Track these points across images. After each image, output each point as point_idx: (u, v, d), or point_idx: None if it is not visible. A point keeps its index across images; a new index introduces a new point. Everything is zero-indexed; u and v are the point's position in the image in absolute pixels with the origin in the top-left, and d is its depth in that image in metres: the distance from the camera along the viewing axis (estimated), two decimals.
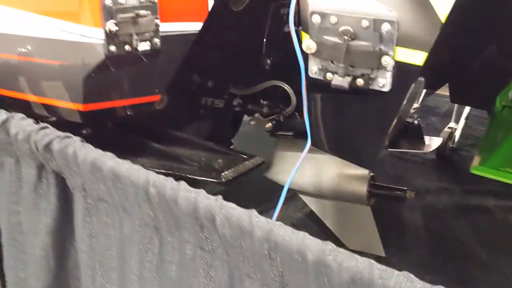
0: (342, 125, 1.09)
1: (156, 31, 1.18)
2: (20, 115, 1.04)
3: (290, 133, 1.70)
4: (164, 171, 1.32)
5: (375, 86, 0.93)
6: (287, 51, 1.36)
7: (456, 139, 2.53)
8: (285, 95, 1.66)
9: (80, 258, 1.02)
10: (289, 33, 1.43)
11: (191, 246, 0.83)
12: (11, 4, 1.16)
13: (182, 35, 1.27)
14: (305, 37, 1.05)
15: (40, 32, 1.14)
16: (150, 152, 1.42)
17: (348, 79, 0.95)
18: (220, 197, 0.77)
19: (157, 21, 1.17)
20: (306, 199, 1.69)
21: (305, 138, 1.20)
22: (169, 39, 1.23)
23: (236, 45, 1.58)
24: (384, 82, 0.92)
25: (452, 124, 2.54)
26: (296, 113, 1.68)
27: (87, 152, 0.93)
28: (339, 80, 0.96)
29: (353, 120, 1.07)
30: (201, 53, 1.37)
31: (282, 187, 1.12)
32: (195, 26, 1.29)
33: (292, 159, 1.70)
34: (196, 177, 1.32)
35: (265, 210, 1.40)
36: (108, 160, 0.91)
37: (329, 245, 0.68)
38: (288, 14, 1.62)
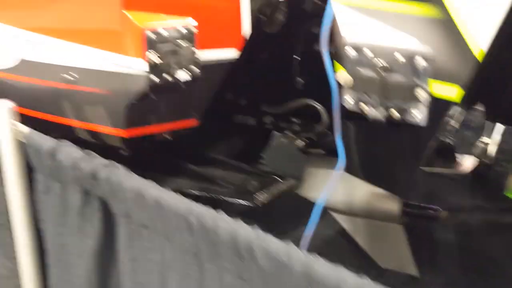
0: (376, 153, 1.10)
1: (195, 59, 1.22)
2: (67, 142, 1.10)
3: (322, 151, 1.71)
4: (200, 192, 1.36)
5: (409, 118, 0.95)
6: (319, 70, 1.39)
7: (491, 154, 2.48)
8: (317, 113, 1.67)
9: (122, 280, 1.06)
10: (321, 52, 1.46)
11: (230, 275, 0.86)
12: (57, 35, 1.22)
13: (219, 61, 1.31)
14: (339, 69, 1.07)
15: (85, 62, 1.20)
16: (186, 173, 1.47)
17: (383, 110, 0.96)
18: (258, 230, 0.80)
19: (196, 50, 1.22)
20: (337, 216, 1.70)
21: (337, 156, 1.21)
22: (206, 66, 1.27)
23: (269, 64, 1.61)
24: (418, 114, 0.93)
25: (485, 139, 2.49)
26: (328, 131, 1.69)
27: (131, 180, 0.97)
28: (373, 112, 0.98)
29: (387, 148, 1.08)
30: (235, 74, 1.41)
31: (313, 203, 1.14)
32: (231, 52, 1.33)
33: (324, 176, 1.71)
34: (231, 199, 1.35)
35: (297, 226, 1.42)
36: (151, 188, 0.95)
37: (367, 280, 0.70)
38: (320, 33, 1.65)
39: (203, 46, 1.25)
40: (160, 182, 1.46)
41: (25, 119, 1.25)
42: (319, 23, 1.56)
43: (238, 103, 1.74)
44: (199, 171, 1.48)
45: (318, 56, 1.46)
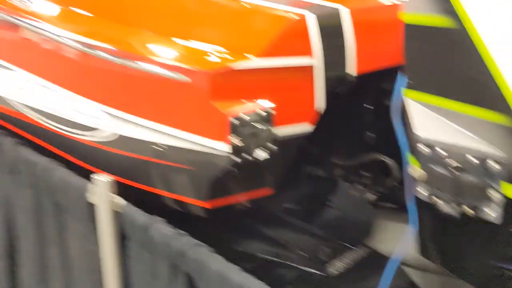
0: (451, 243, 1.11)
1: (272, 138, 1.30)
2: (160, 219, 1.22)
3: (393, 205, 1.72)
4: (273, 258, 1.43)
5: (483, 216, 0.96)
6: (389, 124, 1.41)
7: None
8: (388, 167, 1.69)
9: None
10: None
11: None
12: (150, 118, 1.36)
13: (294, 135, 1.39)
14: (413, 162, 1.10)
15: (173, 141, 1.32)
16: (258, 236, 1.54)
17: (456, 206, 0.98)
18: None
19: (273, 129, 1.30)
20: (409, 270, 1.69)
21: (407, 210, 1.22)
22: (283, 141, 1.35)
23: (339, 118, 1.65)
24: (492, 213, 0.94)
25: None
26: (399, 186, 1.70)
27: (216, 262, 1.06)
28: (447, 207, 1.00)
29: (462, 240, 1.09)
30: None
31: (383, 256, 1.13)
32: (305, 126, 1.40)
33: (395, 230, 1.72)
34: (303, 268, 1.40)
35: (367, 275, 1.42)
36: (234, 272, 1.03)
37: None
38: (391, 89, 1.67)
39: (279, 124, 1.33)
40: (234, 243, 1.55)
41: (121, 185, 1.39)
42: (391, 79, 1.60)
43: (309, 154, 1.78)
44: (270, 234, 1.55)
45: (388, 112, 1.49)
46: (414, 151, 1.08)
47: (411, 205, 1.11)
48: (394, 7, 1.54)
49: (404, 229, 1.64)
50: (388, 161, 1.67)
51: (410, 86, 1.11)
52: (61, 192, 1.49)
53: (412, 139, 1.09)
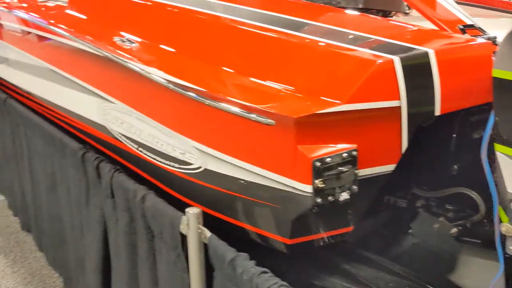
0: None
1: (355, 180, 1.33)
2: (243, 255, 1.28)
3: (477, 241, 1.67)
4: None
5: None
6: (476, 158, 1.37)
7: None
8: (473, 201, 1.64)
9: None
10: (477, 139, 1.44)
11: None
12: (234, 155, 1.44)
13: (377, 174, 1.40)
14: (503, 218, 1.07)
15: (257, 178, 1.39)
16: (337, 271, 1.56)
17: None
18: None
19: (356, 172, 1.33)
20: None
21: (494, 247, 1.18)
22: (365, 181, 1.37)
23: (425, 150, 1.63)
24: None
25: None
26: (485, 221, 1.65)
27: None
28: None
29: None
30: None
31: None
32: (389, 167, 1.41)
33: (479, 266, 1.66)
34: None
35: None
36: None
37: None
38: (477, 122, 1.63)
39: (363, 166, 1.35)
40: (314, 278, 1.58)
41: (209, 217, 1.49)
42: (478, 112, 1.56)
43: (389, 185, 1.78)
44: (349, 270, 1.56)
45: (474, 144, 1.45)
46: (506, 208, 1.06)
47: (500, 259, 1.09)
48: (479, 45, 1.51)
49: (487, 266, 1.59)
50: (473, 195, 1.63)
51: (502, 142, 1.09)
52: (154, 219, 1.61)
53: (504, 195, 1.07)
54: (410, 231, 2.06)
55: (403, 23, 1.81)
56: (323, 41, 1.47)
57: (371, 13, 2.13)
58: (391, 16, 2.33)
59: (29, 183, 2.96)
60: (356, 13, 1.91)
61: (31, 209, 3.05)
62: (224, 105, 1.39)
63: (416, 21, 1.84)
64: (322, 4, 1.98)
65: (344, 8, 1.98)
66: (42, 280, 2.84)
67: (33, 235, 3.13)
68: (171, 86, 1.53)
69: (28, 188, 3.00)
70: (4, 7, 3.10)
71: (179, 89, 1.51)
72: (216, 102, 1.41)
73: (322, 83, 1.35)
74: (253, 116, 1.31)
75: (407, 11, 2.43)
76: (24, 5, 2.96)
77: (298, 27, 1.57)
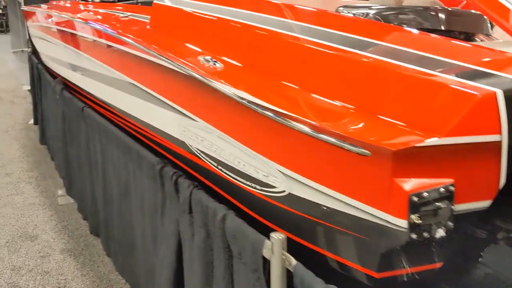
0: None
1: (451, 216, 1.28)
2: (319, 280, 1.26)
3: None
4: None
5: None
6: None
7: None
8: None
9: None
10: None
11: None
12: (320, 181, 1.42)
13: (471, 210, 1.34)
14: None
15: (346, 207, 1.36)
16: None
17: None
18: None
19: (453, 207, 1.27)
20: None
21: None
22: (461, 217, 1.31)
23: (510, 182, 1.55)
24: None
25: None
26: None
27: None
28: None
29: None
30: None
31: None
32: (485, 202, 1.35)
33: None
34: None
35: None
36: None
37: None
38: None
39: (459, 201, 1.30)
40: None
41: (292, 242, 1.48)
42: None
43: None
44: None
45: None
46: None
47: None
48: None
49: None
50: None
51: None
52: (235, 239, 1.62)
53: None
54: (480, 259, 1.96)
55: (493, 49, 1.74)
56: (417, 69, 1.42)
57: (454, 36, 2.05)
58: (475, 40, 2.24)
59: (101, 190, 3.07)
60: (437, 36, 1.85)
61: (101, 215, 3.17)
62: (319, 135, 1.36)
63: (498, 46, 1.76)
64: (401, 27, 1.93)
65: (423, 30, 1.93)
66: (110, 285, 2.94)
67: (102, 240, 3.25)
68: (259, 109, 1.53)
69: (100, 194, 3.11)
70: (82, 18, 3.26)
71: (269, 114, 1.50)
72: (311, 131, 1.38)
73: (418, 114, 1.31)
74: (347, 145, 1.29)
75: (489, 33, 2.33)
76: (99, 16, 3.09)
77: (386, 52, 1.54)
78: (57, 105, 4.03)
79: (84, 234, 3.54)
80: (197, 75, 1.78)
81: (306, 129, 1.38)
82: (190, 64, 1.88)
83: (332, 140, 1.32)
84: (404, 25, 2.00)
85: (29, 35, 6.44)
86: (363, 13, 2.21)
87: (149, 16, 2.50)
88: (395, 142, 1.25)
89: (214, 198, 1.84)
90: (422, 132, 1.27)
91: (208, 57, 1.90)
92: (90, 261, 3.21)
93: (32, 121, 6.28)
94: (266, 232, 1.52)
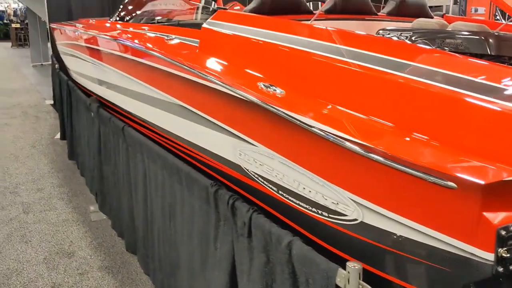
0: None
1: None
2: None
3: None
4: None
5: None
6: None
7: None
8: None
9: None
10: None
11: None
12: (392, 210, 1.42)
13: None
14: None
15: (424, 238, 1.36)
16: None
17: None
18: None
19: None
20: None
21: None
22: None
23: None
24: None
25: None
26: None
27: None
28: None
29: None
30: None
31: None
32: None
33: None
34: None
35: None
36: None
37: None
38: None
39: None
40: None
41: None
42: None
43: None
44: None
45: None
46: None
47: None
48: None
49: None
50: None
51: None
52: (302, 266, 1.62)
53: None
54: None
55: None
56: (492, 100, 1.42)
57: (503, 61, 2.05)
58: None
59: (141, 208, 3.09)
60: (501, 64, 1.84)
61: (140, 232, 3.18)
62: (402, 167, 1.36)
63: None
64: (452, 53, 1.91)
65: (470, 55, 1.92)
66: None
67: (139, 258, 3.27)
68: (330, 138, 1.54)
69: (140, 212, 3.13)
70: (127, 38, 3.31)
71: (347, 145, 1.49)
72: (392, 162, 1.38)
73: (497, 145, 1.31)
74: (432, 178, 1.30)
75: None
76: (144, 37, 3.12)
77: (456, 82, 1.52)
78: (92, 123, 4.08)
79: (120, 251, 3.56)
80: (261, 103, 1.80)
81: (390, 162, 1.38)
82: (251, 90, 1.89)
83: (417, 173, 1.32)
84: (451, 50, 2.00)
85: (53, 50, 6.55)
86: (406, 37, 2.22)
87: (196, 40, 2.52)
88: (483, 175, 1.25)
89: (270, 219, 1.84)
90: (503, 164, 1.27)
91: (267, 84, 1.92)
92: (128, 279, 3.22)
93: (58, 136, 6.35)
94: (328, 258, 1.53)
